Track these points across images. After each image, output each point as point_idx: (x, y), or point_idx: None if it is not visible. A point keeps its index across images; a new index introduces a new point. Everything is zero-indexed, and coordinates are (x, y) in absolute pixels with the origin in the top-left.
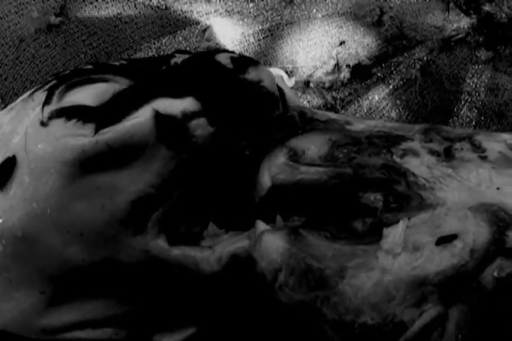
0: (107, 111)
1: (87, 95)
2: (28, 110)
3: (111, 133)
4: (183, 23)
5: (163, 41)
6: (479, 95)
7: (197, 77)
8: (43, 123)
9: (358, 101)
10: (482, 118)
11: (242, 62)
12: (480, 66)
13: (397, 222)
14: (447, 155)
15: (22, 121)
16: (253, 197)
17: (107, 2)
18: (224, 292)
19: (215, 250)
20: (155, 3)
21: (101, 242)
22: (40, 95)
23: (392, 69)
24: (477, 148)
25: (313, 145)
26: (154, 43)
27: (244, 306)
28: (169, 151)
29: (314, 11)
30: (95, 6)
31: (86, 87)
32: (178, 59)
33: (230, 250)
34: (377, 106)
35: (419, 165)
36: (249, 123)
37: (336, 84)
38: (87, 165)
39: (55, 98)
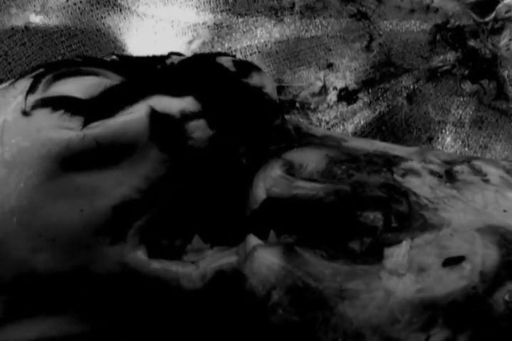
0: (97, 104)
1: (76, 87)
2: (9, 98)
3: (101, 127)
4: (169, 32)
5: (147, 50)
6: (464, 127)
7: (197, 78)
8: (25, 113)
9: (343, 125)
10: (466, 149)
11: (245, 66)
12: (465, 98)
13: (400, 242)
14: (449, 177)
15: (0, 110)
16: (243, 210)
17: (92, 5)
18: (206, 311)
19: (199, 265)
20: (141, 10)
21: (74, 250)
22: (24, 83)
23: (379, 95)
24: (477, 171)
25: (310, 160)
26: (137, 52)
27: (230, 326)
28: (161, 153)
29: (304, 31)
30: (79, 8)
31: (75, 78)
32: (174, 60)
33: (216, 266)
34: (362, 131)
35: (421, 185)
36: (250, 129)
37: (321, 106)
38: (70, 161)
39: (40, 87)
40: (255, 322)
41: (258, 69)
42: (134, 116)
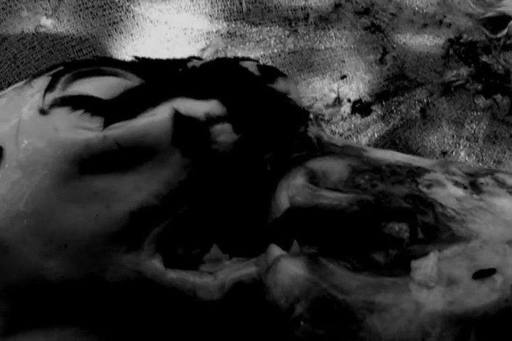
0: (118, 105)
1: (96, 87)
2: (26, 97)
3: (122, 129)
4: (182, 39)
5: (159, 57)
6: (477, 142)
7: (221, 81)
8: (43, 111)
9: (357, 137)
10: (480, 164)
11: (270, 71)
12: (479, 113)
13: (427, 254)
14: (474, 189)
15: (16, 109)
16: (264, 219)
17: (104, 9)
18: (224, 323)
19: (217, 276)
20: (154, 17)
21: (86, 257)
22: (42, 81)
23: (393, 108)
24: (502, 184)
25: (332, 169)
26: None
27: (249, 339)
28: (184, 158)
29: (318, 42)
30: (91, 12)
31: (95, 78)
32: (196, 63)
33: (235, 277)
34: (376, 144)
35: (448, 196)
36: (275, 135)
37: (335, 117)
38: (88, 164)
39: (59, 85)
40: (277, 336)
41: (283, 75)
42: (157, 117)
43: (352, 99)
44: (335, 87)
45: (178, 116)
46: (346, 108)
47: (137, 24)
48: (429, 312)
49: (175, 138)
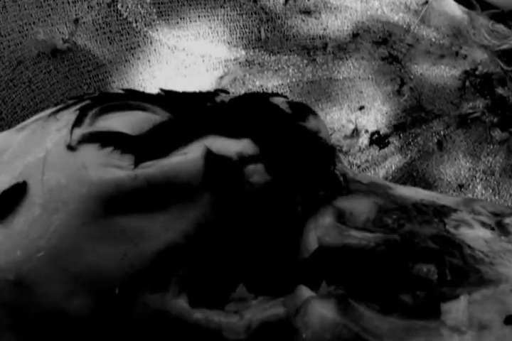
0: (148, 142)
1: (124, 122)
2: (51, 131)
3: (154, 168)
4: (200, 67)
5: (177, 84)
6: (494, 175)
7: (253, 118)
8: (71, 147)
9: (375, 169)
10: (497, 198)
11: (302, 108)
12: (495, 146)
13: (456, 296)
14: (501, 230)
15: (40, 143)
16: (291, 259)
17: (122, 35)
18: None
19: (243, 316)
20: (172, 43)
21: (112, 296)
22: (68, 115)
23: (410, 140)
24: None
25: (360, 208)
26: (166, 85)
27: None
28: (215, 197)
29: (336, 72)
30: (108, 37)
31: (123, 113)
32: (225, 98)
33: (262, 317)
34: (393, 176)
35: (476, 237)
36: (307, 176)
37: (353, 149)
38: (118, 202)
39: (87, 120)
40: None
41: (314, 113)
42: (189, 156)
43: (370, 131)
44: (353, 117)
45: (210, 155)
46: (364, 139)
47: (155, 50)
48: None
49: (207, 177)
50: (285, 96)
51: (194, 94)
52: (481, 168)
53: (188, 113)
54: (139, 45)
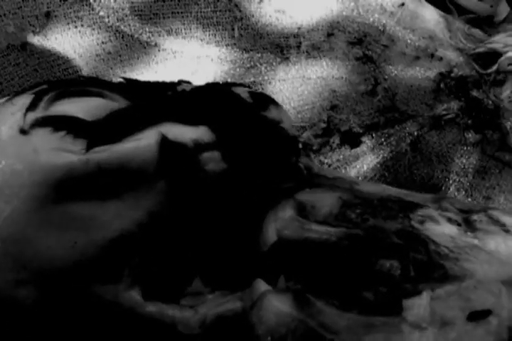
0: (102, 128)
1: (80, 107)
2: (6, 115)
3: (106, 153)
4: (171, 63)
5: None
6: (467, 176)
7: (212, 107)
8: (23, 131)
9: (346, 169)
10: (470, 199)
11: (263, 98)
12: (469, 148)
13: (419, 293)
14: (468, 226)
15: None
16: (250, 253)
17: (93, 29)
18: None
19: (198, 311)
20: (144, 39)
21: (62, 286)
22: (23, 99)
23: (383, 140)
24: (496, 221)
25: (323, 202)
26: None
27: None
28: (169, 185)
29: (309, 71)
30: (79, 31)
31: (80, 98)
32: (186, 87)
33: (217, 312)
34: (365, 176)
35: (442, 233)
36: (265, 165)
37: (324, 148)
38: (68, 188)
39: (42, 104)
40: None
41: (276, 103)
42: (143, 142)
43: (342, 130)
44: (324, 116)
45: (165, 141)
46: (335, 138)
47: (126, 45)
48: None
49: (161, 164)
50: (248, 86)
51: (156, 83)
52: (454, 170)
53: (146, 100)
54: (110, 40)
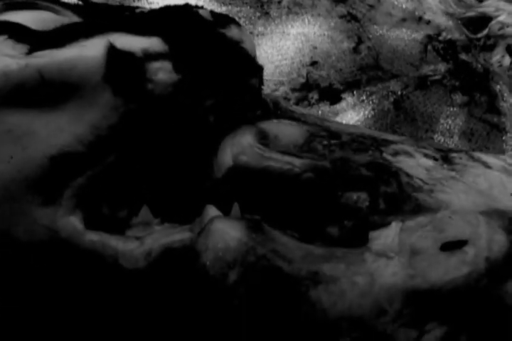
0: (48, 36)
1: (29, 18)
2: None
3: (47, 57)
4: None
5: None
6: (452, 137)
7: (167, 21)
8: None
9: None
10: None
11: (225, 18)
12: (455, 109)
13: (388, 224)
14: (446, 161)
15: None
16: (204, 180)
17: None
18: (148, 294)
19: (144, 242)
20: None
21: None
22: None
23: (364, 98)
24: (476, 159)
25: (287, 133)
26: None
27: (176, 311)
28: (115, 97)
29: (289, 26)
30: None
31: (30, 11)
32: (144, 10)
33: (165, 242)
34: None
35: (415, 165)
36: (221, 82)
37: (302, 103)
38: (5, 95)
39: None
40: (208, 306)
41: (238, 24)
42: (88, 49)
43: (321, 86)
44: (304, 72)
45: (112, 50)
46: (314, 94)
47: None
48: (385, 286)
49: (107, 73)
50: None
51: (115, 6)
52: (439, 130)
53: (99, 18)
54: None
